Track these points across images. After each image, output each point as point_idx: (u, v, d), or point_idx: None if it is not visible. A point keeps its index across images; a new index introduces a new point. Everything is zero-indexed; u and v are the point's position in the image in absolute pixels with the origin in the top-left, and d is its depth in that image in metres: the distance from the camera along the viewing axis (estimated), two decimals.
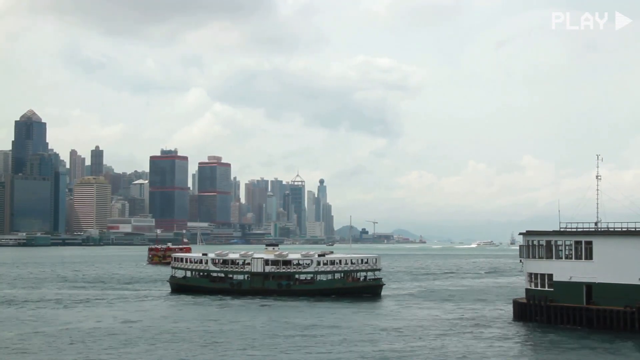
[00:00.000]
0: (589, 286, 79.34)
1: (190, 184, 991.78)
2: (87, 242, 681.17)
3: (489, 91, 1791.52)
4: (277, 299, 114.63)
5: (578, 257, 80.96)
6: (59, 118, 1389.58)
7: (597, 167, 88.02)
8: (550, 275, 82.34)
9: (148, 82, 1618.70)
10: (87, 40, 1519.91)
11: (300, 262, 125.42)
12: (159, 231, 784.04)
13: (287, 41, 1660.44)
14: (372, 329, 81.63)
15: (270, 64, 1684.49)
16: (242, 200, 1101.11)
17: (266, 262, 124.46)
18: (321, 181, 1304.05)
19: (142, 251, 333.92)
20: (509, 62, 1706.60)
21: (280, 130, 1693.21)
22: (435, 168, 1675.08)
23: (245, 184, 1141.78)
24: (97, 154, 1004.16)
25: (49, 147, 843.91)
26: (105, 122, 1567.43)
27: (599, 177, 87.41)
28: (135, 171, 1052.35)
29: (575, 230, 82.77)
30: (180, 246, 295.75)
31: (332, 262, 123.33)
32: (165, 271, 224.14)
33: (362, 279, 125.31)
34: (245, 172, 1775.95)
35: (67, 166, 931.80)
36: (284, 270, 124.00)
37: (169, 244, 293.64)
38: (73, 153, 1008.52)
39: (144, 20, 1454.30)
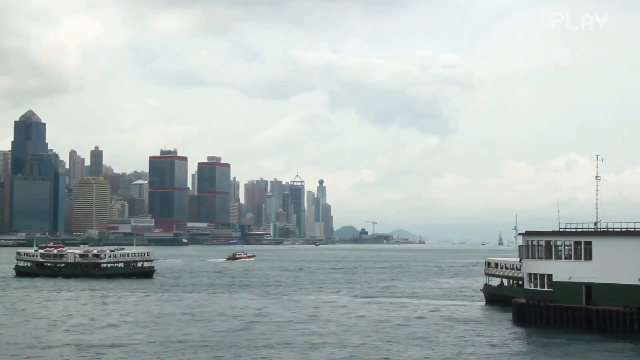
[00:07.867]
0: (589, 286, 79.27)
1: (189, 184, 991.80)
2: (86, 242, 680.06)
3: (540, 85, 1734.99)
4: None
5: (577, 258, 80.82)
6: (136, 113, 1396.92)
7: (597, 167, 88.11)
8: (550, 276, 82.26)
9: (196, 76, 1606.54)
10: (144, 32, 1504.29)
11: None
12: (157, 231, 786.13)
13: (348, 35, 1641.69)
14: None
15: (329, 58, 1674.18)
16: (242, 200, 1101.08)
17: None
18: (320, 181, 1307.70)
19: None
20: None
21: (334, 128, 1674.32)
22: (481, 167, 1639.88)
23: (245, 185, 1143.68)
24: (96, 154, 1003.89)
25: (48, 147, 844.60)
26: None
27: (599, 178, 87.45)
28: (135, 171, 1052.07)
29: (574, 230, 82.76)
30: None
31: None
32: None
33: None
34: (287, 172, 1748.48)
35: (67, 166, 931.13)
36: None
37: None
38: (72, 153, 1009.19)
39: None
